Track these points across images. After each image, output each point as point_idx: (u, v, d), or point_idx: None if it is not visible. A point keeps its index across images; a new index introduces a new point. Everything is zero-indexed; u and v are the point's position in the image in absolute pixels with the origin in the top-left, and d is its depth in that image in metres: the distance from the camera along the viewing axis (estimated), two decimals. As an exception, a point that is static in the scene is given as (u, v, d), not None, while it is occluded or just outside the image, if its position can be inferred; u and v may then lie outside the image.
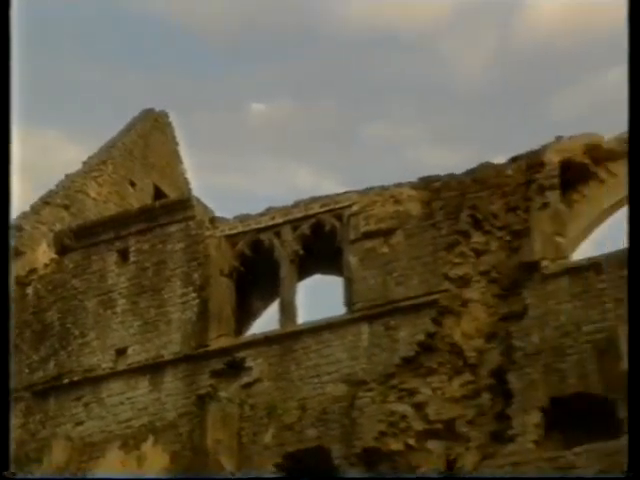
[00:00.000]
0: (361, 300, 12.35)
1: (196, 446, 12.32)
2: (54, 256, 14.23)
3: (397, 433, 11.60)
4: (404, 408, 11.63)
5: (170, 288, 13.35)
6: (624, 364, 10.55)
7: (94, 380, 13.20)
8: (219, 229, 13.48)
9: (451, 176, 12.69)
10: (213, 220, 13.66)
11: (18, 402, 13.08)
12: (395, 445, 11.55)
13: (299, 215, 13.15)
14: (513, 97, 31.55)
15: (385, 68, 32.93)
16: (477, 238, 12.13)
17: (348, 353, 12.17)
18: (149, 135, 15.94)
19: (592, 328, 11.15)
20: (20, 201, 13.96)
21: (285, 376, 12.39)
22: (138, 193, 15.54)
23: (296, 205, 13.27)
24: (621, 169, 12.18)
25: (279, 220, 13.20)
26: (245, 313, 13.63)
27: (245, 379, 12.53)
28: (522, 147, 12.48)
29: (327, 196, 13.27)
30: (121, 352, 13.22)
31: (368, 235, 12.63)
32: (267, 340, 12.71)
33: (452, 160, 29.76)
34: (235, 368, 12.63)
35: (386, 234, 12.55)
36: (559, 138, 12.32)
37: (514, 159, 12.47)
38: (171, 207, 13.98)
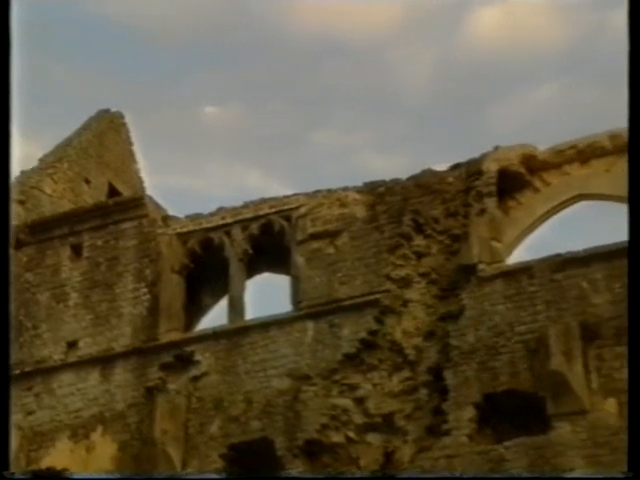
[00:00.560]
0: (307, 298, 12.45)
1: (144, 436, 12.38)
2: (9, 250, 14.16)
3: (338, 426, 11.72)
4: (345, 402, 11.76)
5: (122, 283, 13.42)
6: (553, 363, 10.88)
7: (45, 371, 13.21)
8: (171, 227, 13.57)
9: (395, 181, 12.80)
10: (165, 219, 13.75)
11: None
12: (336, 437, 11.69)
13: (249, 216, 13.27)
14: (455, 107, 32.04)
15: (333, 76, 33.21)
16: (418, 241, 12.26)
17: (293, 349, 12.26)
18: (104, 135, 15.98)
19: (524, 329, 11.30)
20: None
21: (232, 370, 12.48)
22: (93, 191, 15.57)
23: (246, 206, 13.39)
24: (554, 178, 12.45)
25: (229, 220, 13.32)
26: (195, 309, 13.71)
27: (193, 372, 12.61)
28: (462, 156, 12.66)
29: (276, 198, 13.37)
30: (72, 344, 13.26)
31: (315, 236, 12.74)
32: (215, 335, 12.81)
33: (396, 166, 30.11)
34: (184, 361, 12.71)
35: (332, 236, 12.68)
36: (497, 148, 12.48)
37: (455, 167, 12.60)
38: (125, 205, 14.05)
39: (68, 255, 13.78)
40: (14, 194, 15.10)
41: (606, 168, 12.22)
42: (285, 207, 13.11)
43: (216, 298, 13.83)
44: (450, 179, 12.49)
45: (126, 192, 15.39)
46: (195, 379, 12.58)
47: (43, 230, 14.09)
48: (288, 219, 13.03)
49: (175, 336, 12.94)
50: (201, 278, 13.54)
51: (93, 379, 12.96)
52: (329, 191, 13.09)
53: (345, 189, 13.01)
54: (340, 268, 12.49)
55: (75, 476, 11.59)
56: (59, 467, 11.58)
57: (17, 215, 14.65)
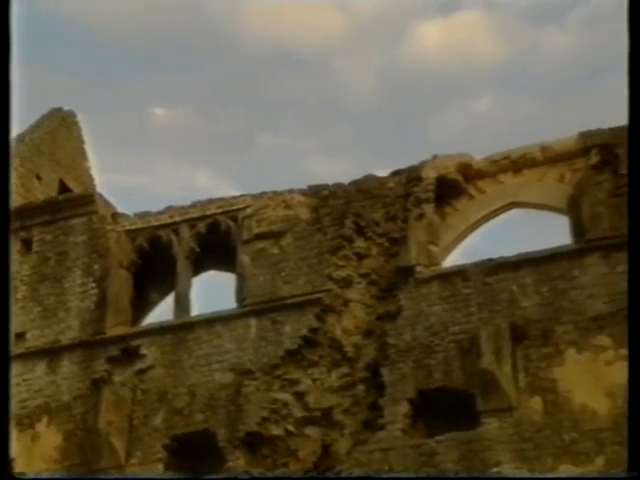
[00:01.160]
0: (251, 296, 12.50)
1: (89, 427, 12.34)
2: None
3: (278, 419, 11.78)
4: (286, 396, 11.82)
5: (70, 277, 13.36)
6: (483, 362, 11.03)
7: (-7, 362, 13.05)
8: (120, 224, 13.55)
9: (338, 185, 12.89)
10: (114, 216, 13.72)
11: None
12: (276, 430, 11.74)
13: (196, 215, 13.30)
14: (396, 117, 32.40)
15: (282, 82, 33.34)
16: (359, 243, 12.35)
17: (237, 344, 12.30)
18: (56, 132, 15.87)
19: (457, 329, 11.44)
20: None
21: (177, 364, 12.50)
22: (44, 187, 15.45)
23: (194, 205, 13.41)
24: (488, 187, 12.59)
25: (177, 219, 13.33)
26: (142, 304, 13.69)
27: (139, 365, 12.60)
28: (403, 163, 12.75)
29: (223, 198, 13.40)
30: (20, 336, 13.14)
31: (260, 236, 12.80)
32: (162, 330, 12.82)
33: (339, 171, 30.34)
34: (130, 355, 12.70)
35: (277, 236, 12.74)
36: (435, 156, 12.60)
37: (395, 173, 12.70)
38: (75, 201, 13.99)
39: (18, 249, 13.67)
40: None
41: (537, 178, 12.41)
42: (232, 207, 13.15)
43: (163, 294, 13.82)
44: (391, 185, 12.60)
45: (77, 189, 15.32)
46: (140, 372, 12.57)
47: (-7, 224, 13.91)
48: (234, 219, 13.09)
49: (122, 330, 12.93)
50: (149, 274, 13.54)
51: (40, 370, 12.89)
52: (275, 193, 13.13)
53: (290, 191, 13.07)
54: (284, 267, 12.55)
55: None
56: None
57: (-32, 209, 14.43)
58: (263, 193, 13.20)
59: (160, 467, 12.03)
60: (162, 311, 13.77)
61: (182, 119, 33.48)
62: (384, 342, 11.69)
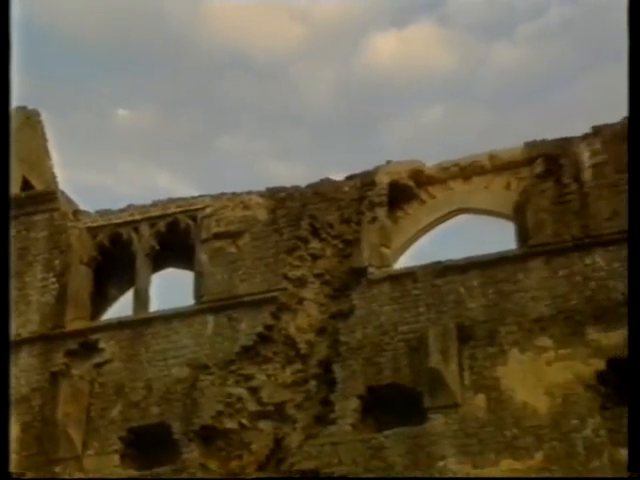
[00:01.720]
0: (208, 293, 12.53)
1: (47, 418, 12.30)
2: None
3: (233, 413, 11.81)
4: (240, 391, 11.85)
5: (31, 272, 13.29)
6: (431, 361, 11.13)
7: (-47, 354, 12.93)
8: (81, 221, 13.51)
9: (295, 188, 12.94)
10: (76, 213, 13.67)
11: None
12: (230, 424, 11.77)
13: (157, 214, 13.30)
14: (352, 123, 32.63)
15: (241, 87, 33.42)
16: (314, 244, 12.41)
17: (193, 340, 12.32)
18: (20, 130, 15.72)
19: (406, 328, 11.54)
20: None
21: (134, 358, 12.49)
22: (7, 183, 15.28)
23: (154, 205, 13.41)
24: (438, 192, 12.71)
25: (138, 217, 13.33)
26: (101, 299, 13.66)
27: (97, 359, 12.58)
28: (357, 167, 12.85)
29: (183, 198, 13.42)
30: (-20, 329, 13.00)
31: (218, 236, 12.82)
32: (120, 325, 12.81)
33: (296, 174, 30.47)
34: (88, 349, 12.67)
35: (234, 236, 12.77)
36: (389, 162, 12.69)
37: (350, 177, 12.78)
38: (37, 198, 13.91)
39: (-20, 243, 13.50)
40: None
41: (485, 185, 12.55)
42: (191, 207, 13.18)
43: (122, 290, 13.80)
44: (345, 188, 12.68)
45: (39, 186, 15.20)
46: (98, 366, 12.55)
47: (-44, 218, 13.76)
48: (194, 219, 13.12)
49: (81, 324, 12.89)
50: (109, 271, 13.51)
51: (-1, 363, 12.74)
52: (233, 194, 13.17)
53: (249, 193, 13.10)
54: (241, 266, 12.59)
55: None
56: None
57: None
58: (222, 194, 13.24)
59: (116, 458, 12.00)
60: (121, 307, 13.76)
61: (144, 121, 33.37)
62: (336, 340, 11.77)
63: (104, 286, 13.63)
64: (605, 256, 11.14)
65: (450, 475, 10.63)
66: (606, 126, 11.84)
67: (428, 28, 32.98)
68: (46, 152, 16.38)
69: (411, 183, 12.67)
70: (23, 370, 12.70)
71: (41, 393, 12.51)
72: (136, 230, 13.26)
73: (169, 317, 12.63)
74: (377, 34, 34.39)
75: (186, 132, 33.30)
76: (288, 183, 13.11)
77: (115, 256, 13.36)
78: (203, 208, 13.08)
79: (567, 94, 30.32)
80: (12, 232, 13.54)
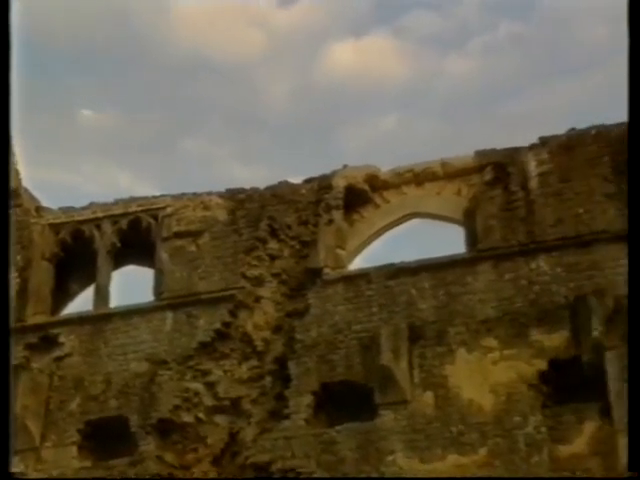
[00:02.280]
0: (168, 290, 12.62)
1: (6, 410, 12.22)
2: None
3: (189, 407, 11.89)
4: (197, 386, 11.94)
5: (-7, 267, 13.19)
6: (382, 359, 11.27)
7: None
8: (44, 218, 13.50)
9: (254, 190, 13.04)
10: (39, 209, 13.65)
11: None
12: (187, 418, 11.86)
13: (118, 212, 13.33)
14: (310, 128, 32.85)
15: (203, 90, 33.42)
16: (272, 245, 12.51)
17: (152, 336, 12.41)
18: (-16, 127, 15.58)
19: (359, 327, 11.67)
20: None
21: (94, 352, 12.53)
22: (-30, 179, 15.17)
23: (116, 203, 13.44)
24: (392, 197, 12.87)
25: (100, 215, 13.36)
26: (62, 295, 13.66)
27: (57, 353, 12.61)
28: (315, 171, 12.96)
29: (145, 197, 13.48)
30: (-59, 322, 12.92)
31: (179, 235, 12.91)
32: (80, 320, 12.84)
33: (256, 176, 30.51)
34: (48, 343, 12.69)
35: (194, 235, 12.86)
36: (345, 167, 12.82)
37: (308, 180, 12.90)
38: (0, 194, 13.81)
39: (-58, 238, 13.41)
40: None
41: (437, 191, 12.73)
42: (153, 206, 13.24)
43: (83, 286, 13.81)
44: (303, 191, 12.81)
45: (2, 182, 15.06)
46: (58, 359, 12.57)
47: None
48: (155, 217, 13.19)
49: (41, 319, 12.90)
50: (70, 267, 13.51)
51: (-41, 355, 12.66)
52: (194, 195, 13.25)
53: (209, 194, 13.19)
54: (200, 265, 12.68)
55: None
56: None
57: None
58: (183, 194, 13.32)
59: (73, 450, 12.02)
60: (82, 302, 13.77)
61: (108, 121, 33.22)
62: (292, 337, 11.90)
63: (65, 282, 13.64)
64: (549, 261, 11.38)
65: (396, 469, 10.77)
66: (552, 137, 12.12)
67: (384, 39, 33.43)
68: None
69: (366, 187, 12.82)
70: (-17, 363, 12.61)
71: (1, 385, 12.43)
72: (98, 227, 13.29)
73: (129, 313, 12.68)
74: (335, 43, 34.73)
75: (149, 133, 33.25)
76: (248, 185, 13.23)
77: (77, 252, 13.37)
78: (164, 207, 13.16)
79: (515, 106, 30.87)
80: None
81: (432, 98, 32.69)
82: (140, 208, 13.25)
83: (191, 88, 33.61)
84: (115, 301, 13.10)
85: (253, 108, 33.82)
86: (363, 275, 12.05)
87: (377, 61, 32.57)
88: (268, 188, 12.99)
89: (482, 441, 10.69)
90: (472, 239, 12.02)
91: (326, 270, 12.17)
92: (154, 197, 13.41)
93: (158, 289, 12.72)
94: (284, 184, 12.98)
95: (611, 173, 11.55)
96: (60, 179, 30.53)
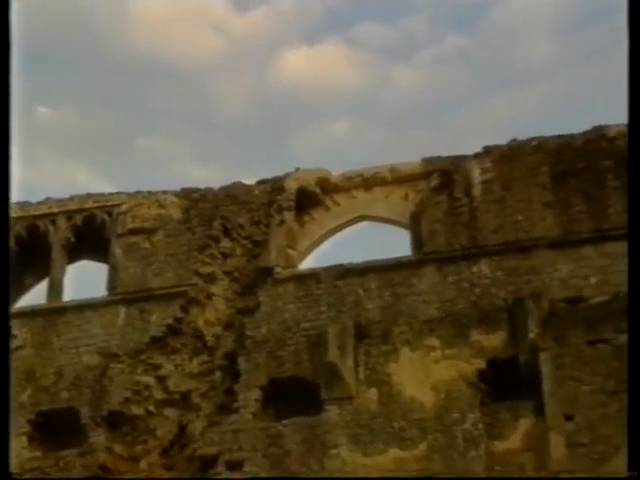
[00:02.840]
0: (122, 286, 12.71)
1: (-43, 401, 12.14)
2: None
3: (140, 400, 12.00)
4: (148, 379, 12.04)
5: (-53, 259, 13.08)
6: (329, 356, 11.42)
7: None
8: (-1, 212, 13.36)
9: (208, 190, 13.13)
10: (-6, 203, 13.51)
11: None
12: (137, 410, 11.96)
13: (74, 208, 13.32)
14: (264, 131, 33.05)
15: (161, 91, 33.43)
16: (225, 243, 12.61)
17: (105, 330, 12.49)
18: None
19: (308, 325, 11.83)
20: None
21: (46, 345, 12.53)
22: None
23: (72, 199, 13.43)
24: (342, 200, 13.08)
25: (55, 210, 13.37)
26: (16, 288, 13.55)
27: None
28: (268, 173, 13.40)
29: (100, 194, 13.52)
30: None
31: (133, 231, 13.00)
32: (33, 313, 12.84)
33: (210, 177, 30.64)
34: (1, 335, 12.57)
35: (149, 232, 12.94)
36: (298, 169, 12.96)
37: (261, 182, 13.03)
38: (-44, 187, 13.68)
39: None
40: None
41: (385, 195, 12.95)
42: (108, 203, 13.30)
43: (37, 280, 13.76)
44: (256, 192, 12.93)
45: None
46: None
47: None
48: (110, 214, 13.26)
49: (-5, 311, 12.74)
50: (25, 260, 13.43)
51: None
52: (149, 193, 13.35)
53: (164, 192, 13.28)
54: (154, 261, 12.78)
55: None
56: None
57: None
58: (138, 192, 13.42)
59: (24, 440, 11.98)
60: (35, 295, 13.72)
61: (64, 118, 32.96)
62: (242, 334, 12.03)
63: (20, 275, 13.54)
64: (490, 265, 11.66)
65: (339, 462, 10.91)
66: (495, 147, 12.42)
67: (337, 48, 33.85)
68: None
69: (318, 190, 12.98)
70: None
71: (-47, 376, 12.34)
72: (53, 222, 13.29)
73: (82, 307, 12.70)
74: (290, 50, 35.01)
75: (105, 131, 33.07)
76: (202, 185, 13.34)
77: (32, 247, 13.34)
78: (119, 204, 13.27)
79: (461, 116, 31.44)
80: None
81: (382, 106, 33.16)
82: (95, 204, 13.29)
83: (148, 89, 33.59)
84: (69, 295, 13.19)
85: (209, 110, 33.93)
86: (313, 275, 12.24)
87: (329, 69, 32.98)
88: (222, 188, 13.09)
89: (422, 436, 10.91)
90: (418, 242, 12.26)
91: (277, 269, 12.32)
92: (110, 194, 13.48)
93: (112, 284, 12.81)
94: (238, 185, 13.09)
95: (549, 182, 11.90)
96: (16, 174, 30.17)
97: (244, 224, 12.64)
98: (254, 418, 11.45)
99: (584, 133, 12.07)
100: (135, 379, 12.01)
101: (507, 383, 10.79)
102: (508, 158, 12.21)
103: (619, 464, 9.62)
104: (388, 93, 33.40)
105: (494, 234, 11.79)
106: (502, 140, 12.39)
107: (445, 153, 12.58)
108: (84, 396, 12.07)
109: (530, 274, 11.40)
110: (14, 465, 11.84)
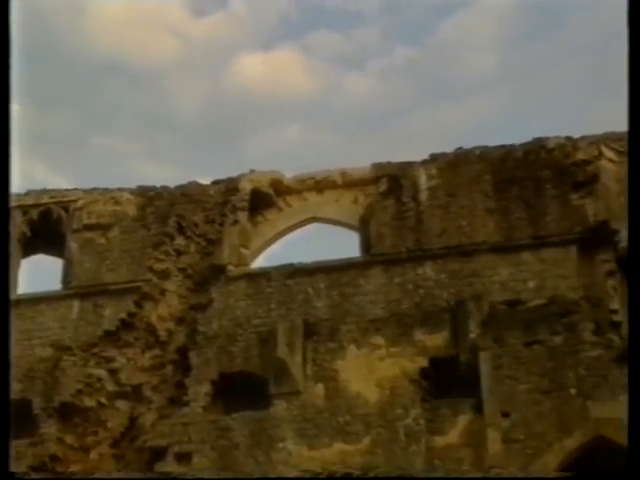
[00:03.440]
0: (76, 280, 12.81)
1: None
2: None
3: (92, 392, 12.10)
4: (100, 372, 12.13)
5: None
6: (278, 352, 11.61)
7: None
8: (-45, 204, 13.23)
9: (164, 188, 13.25)
10: (-49, 196, 13.37)
11: None
12: (89, 402, 12.05)
13: (30, 202, 13.27)
14: (220, 133, 33.16)
15: (118, 91, 33.28)
16: (179, 241, 12.72)
17: (59, 323, 12.59)
18: None
19: (258, 322, 12.01)
20: None
21: None
22: None
23: (28, 194, 13.35)
24: (294, 202, 13.34)
25: (11, 204, 13.16)
26: (-30, 280, 13.42)
27: (-37, 336, 12.39)
28: (223, 173, 13.47)
29: (57, 190, 13.49)
30: None
31: (89, 227, 13.11)
32: (-12, 305, 12.65)
33: (166, 176, 30.56)
34: (-45, 327, 12.45)
35: (104, 228, 13.05)
36: (252, 171, 13.12)
37: (216, 182, 13.15)
38: None
39: None
40: None
41: (336, 198, 13.20)
42: (64, 199, 13.36)
43: (-8, 272, 13.55)
44: (211, 192, 13.06)
45: None
46: (-36, 342, 12.32)
47: None
48: (66, 209, 13.34)
49: (-52, 303, 12.62)
50: (-21, 253, 13.26)
51: None
52: (105, 190, 13.47)
53: (120, 190, 13.41)
54: (109, 257, 12.92)
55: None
56: None
57: None
58: (94, 189, 13.55)
59: (-25, 431, 11.86)
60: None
61: (23, 115, 32.53)
62: (194, 329, 12.21)
63: (-27, 268, 13.39)
64: (434, 267, 11.95)
65: (285, 455, 11.01)
66: (441, 154, 12.74)
67: (291, 55, 34.16)
68: None
69: (271, 192, 13.18)
70: None
71: None
72: (9, 216, 13.14)
73: (36, 300, 12.72)
74: (246, 55, 35.26)
75: (63, 128, 32.77)
76: (158, 183, 13.47)
77: (-13, 240, 13.16)
78: (75, 200, 13.40)
79: (409, 124, 31.92)
80: None
81: (334, 112, 33.53)
82: (52, 200, 13.33)
83: (106, 88, 33.37)
84: (23, 288, 13.22)
85: (166, 112, 33.91)
86: (264, 273, 12.45)
87: (284, 75, 33.25)
88: (178, 187, 13.23)
89: (366, 431, 11.18)
90: (366, 244, 12.55)
91: (230, 267, 12.49)
92: (66, 190, 13.50)
93: (66, 278, 12.94)
94: (193, 184, 13.24)
95: (492, 190, 12.24)
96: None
97: (199, 222, 12.76)
98: (204, 411, 11.61)
99: (525, 144, 12.45)
100: (87, 371, 12.11)
101: (448, 381, 11.09)
102: (453, 166, 12.51)
103: (551, 460, 9.95)
104: (340, 100, 33.78)
105: (438, 238, 12.11)
106: (448, 148, 12.79)
107: (394, 159, 12.90)
108: (36, 387, 12.16)
109: (472, 277, 11.73)
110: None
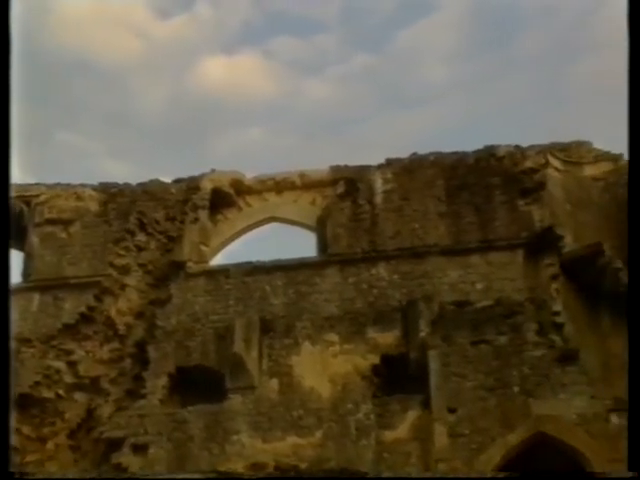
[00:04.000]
0: (37, 273, 12.91)
1: None
2: None
3: (50, 384, 12.20)
4: (59, 364, 12.21)
5: None
6: (235, 347, 11.78)
7: None
8: None
9: (126, 185, 13.35)
10: None
11: None
12: (47, 393, 12.15)
13: (-8, 195, 13.12)
14: (182, 132, 33.23)
15: (82, 88, 33.13)
16: (140, 237, 12.82)
17: (19, 315, 12.63)
18: None
19: (216, 318, 12.14)
20: None
21: (-41, 328, 12.30)
22: None
23: (-9, 187, 13.21)
24: (254, 202, 13.56)
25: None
26: None
27: None
28: (185, 172, 13.57)
29: (19, 184, 13.52)
30: None
31: (50, 221, 13.21)
32: (-52, 296, 12.55)
33: (128, 173, 30.47)
34: None
35: (66, 223, 13.13)
36: (213, 171, 13.24)
37: (177, 180, 13.28)
38: None
39: None
40: None
41: (294, 199, 13.42)
42: (27, 193, 13.40)
43: (-47, 264, 13.44)
44: (173, 190, 13.20)
45: None
46: None
47: None
48: (28, 204, 13.31)
49: None
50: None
51: None
52: (68, 185, 13.59)
53: (83, 185, 13.52)
54: (70, 251, 13.03)
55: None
56: None
57: None
58: (57, 184, 13.63)
59: None
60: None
61: (-14, 111, 32.11)
62: (153, 324, 12.36)
63: None
64: (387, 268, 12.19)
65: (239, 447, 11.10)
66: (397, 160, 13.00)
67: (252, 59, 34.40)
68: None
69: (231, 191, 13.33)
70: None
71: None
72: (-29, 209, 13.04)
73: (-3, 292, 12.50)
74: (208, 58, 35.27)
75: (26, 124, 32.41)
76: (120, 180, 13.55)
77: (-53, 232, 13.05)
78: (38, 195, 13.51)
79: (366, 129, 32.29)
80: None
81: (293, 115, 33.79)
82: (14, 194, 13.16)
83: (70, 85, 33.14)
84: (-17, 281, 12.90)
85: (128, 111, 33.85)
86: (223, 271, 12.61)
87: (245, 78, 33.44)
88: (140, 185, 13.34)
89: (318, 425, 11.43)
90: (322, 244, 12.79)
91: (189, 264, 12.64)
92: (28, 185, 13.49)
93: (27, 271, 13.07)
94: (155, 182, 13.36)
95: (444, 195, 12.53)
96: None
97: (160, 219, 12.89)
98: (160, 404, 11.78)
99: (476, 151, 12.76)
100: (46, 363, 12.22)
101: (398, 378, 11.38)
102: (408, 171, 12.79)
103: (494, 454, 10.21)
104: (299, 104, 34.02)
105: (392, 240, 12.40)
106: (403, 154, 13.08)
107: (351, 163, 13.13)
108: (-5, 378, 11.97)
109: (423, 278, 12.03)
110: None
